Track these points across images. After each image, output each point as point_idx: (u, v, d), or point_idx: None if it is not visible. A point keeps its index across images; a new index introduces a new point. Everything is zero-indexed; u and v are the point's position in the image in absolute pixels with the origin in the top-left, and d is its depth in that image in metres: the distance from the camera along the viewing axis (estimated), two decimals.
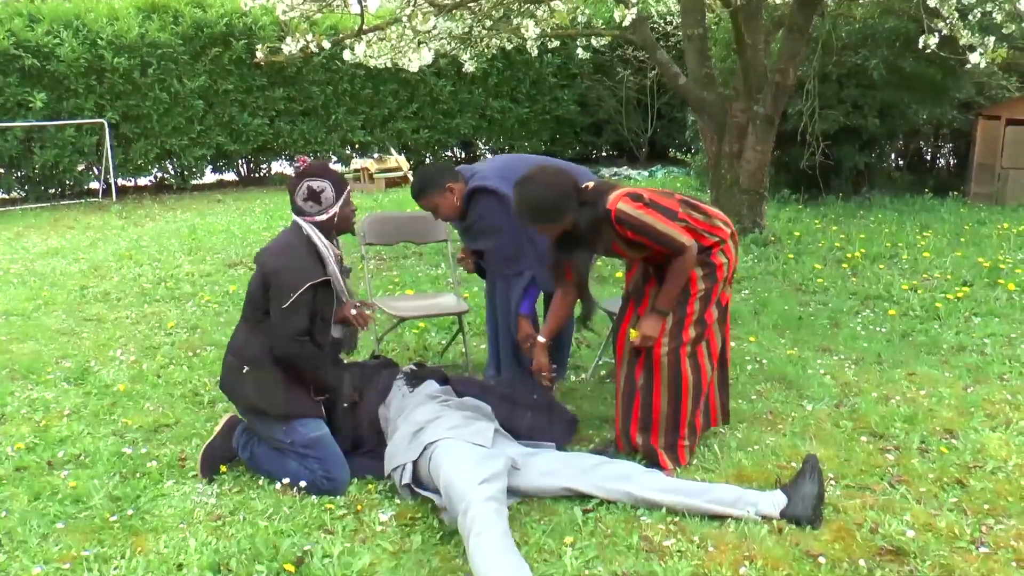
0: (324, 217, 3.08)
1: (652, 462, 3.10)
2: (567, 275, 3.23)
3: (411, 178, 3.48)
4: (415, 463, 2.86)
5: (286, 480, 2.98)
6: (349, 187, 3.19)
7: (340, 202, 3.11)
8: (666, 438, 3.12)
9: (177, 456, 3.27)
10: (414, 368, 3.47)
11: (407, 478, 2.86)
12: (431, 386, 3.28)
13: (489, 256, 3.68)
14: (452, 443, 2.83)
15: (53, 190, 10.92)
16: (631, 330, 3.14)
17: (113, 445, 3.37)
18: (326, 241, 3.08)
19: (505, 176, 3.42)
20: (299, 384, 3.05)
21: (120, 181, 11.22)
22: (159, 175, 11.82)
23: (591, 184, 3.10)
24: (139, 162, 11.06)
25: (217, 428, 3.23)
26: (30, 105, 9.90)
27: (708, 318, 3.12)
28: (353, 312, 3.18)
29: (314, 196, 3.06)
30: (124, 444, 3.38)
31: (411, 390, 3.26)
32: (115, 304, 5.61)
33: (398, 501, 2.90)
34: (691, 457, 3.18)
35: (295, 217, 3.11)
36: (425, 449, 2.85)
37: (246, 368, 3.04)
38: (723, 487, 2.83)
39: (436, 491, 2.74)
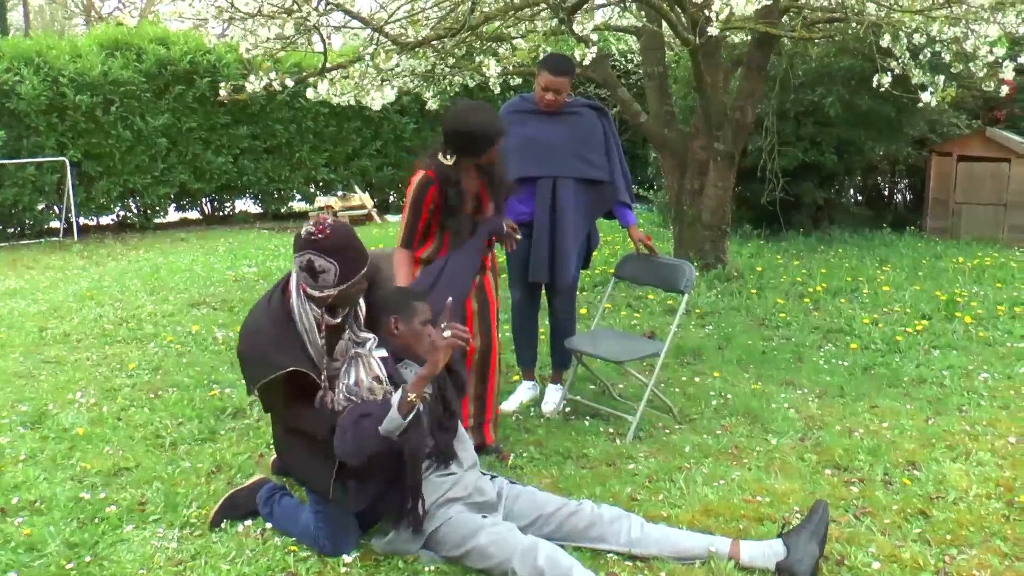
0: (317, 295, 2.65)
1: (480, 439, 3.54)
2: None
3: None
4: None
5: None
6: (365, 267, 2.68)
7: (344, 285, 2.64)
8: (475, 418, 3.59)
9: (137, 500, 3.21)
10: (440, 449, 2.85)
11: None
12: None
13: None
14: (455, 519, 2.70)
15: (12, 229, 10.74)
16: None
17: (70, 490, 3.29)
18: (311, 321, 2.67)
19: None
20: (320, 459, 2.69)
21: (82, 220, 11.08)
22: (122, 214, 11.67)
23: None
24: (101, 201, 10.92)
25: (249, 481, 3.14)
26: None
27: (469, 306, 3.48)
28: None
29: (312, 273, 2.61)
30: (82, 489, 3.31)
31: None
32: (75, 346, 5.52)
33: (362, 541, 2.86)
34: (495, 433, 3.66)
35: (292, 275, 2.71)
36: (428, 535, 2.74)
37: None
38: (691, 537, 2.72)
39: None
